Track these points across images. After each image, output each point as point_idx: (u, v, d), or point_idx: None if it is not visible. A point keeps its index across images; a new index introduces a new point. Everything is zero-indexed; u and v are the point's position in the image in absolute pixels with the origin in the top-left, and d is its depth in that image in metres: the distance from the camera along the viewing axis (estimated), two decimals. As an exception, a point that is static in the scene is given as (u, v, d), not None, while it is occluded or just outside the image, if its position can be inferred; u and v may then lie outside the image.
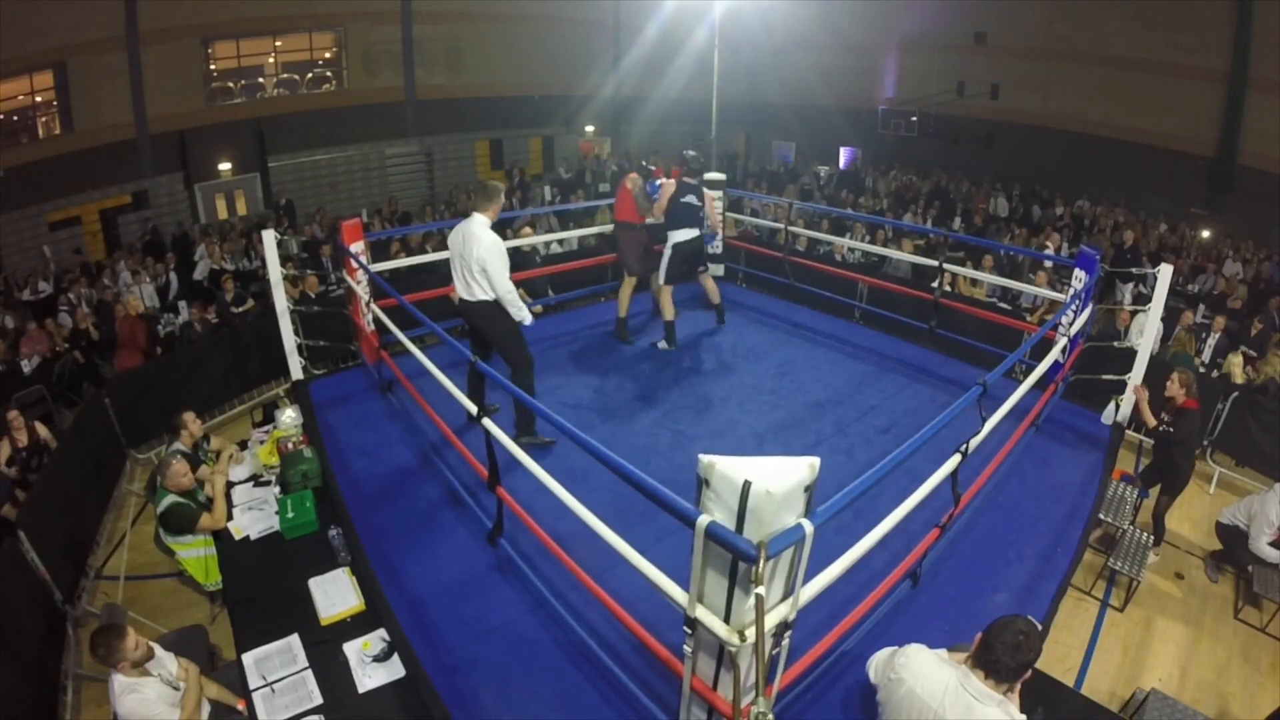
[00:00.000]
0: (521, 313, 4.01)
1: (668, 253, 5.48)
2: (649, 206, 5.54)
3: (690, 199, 5.44)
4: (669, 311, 5.59)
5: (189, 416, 4.28)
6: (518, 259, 7.87)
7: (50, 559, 4.22)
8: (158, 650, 2.89)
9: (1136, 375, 4.66)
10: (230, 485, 4.09)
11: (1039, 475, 4.16)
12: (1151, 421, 4.46)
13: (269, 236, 4.82)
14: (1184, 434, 4.45)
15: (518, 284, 7.18)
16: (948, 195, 14.15)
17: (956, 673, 1.95)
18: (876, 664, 2.22)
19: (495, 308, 4.00)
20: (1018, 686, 1.98)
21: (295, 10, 12.97)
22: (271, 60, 13.40)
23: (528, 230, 8.80)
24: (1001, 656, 1.87)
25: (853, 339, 6.03)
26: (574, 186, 14.36)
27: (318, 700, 2.73)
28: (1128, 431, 4.86)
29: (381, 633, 2.98)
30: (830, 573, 2.16)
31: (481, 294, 3.97)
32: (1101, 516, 4.44)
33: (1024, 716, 1.90)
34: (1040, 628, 1.92)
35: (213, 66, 12.60)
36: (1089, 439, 4.56)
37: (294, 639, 3.00)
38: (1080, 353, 4.93)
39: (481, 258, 3.85)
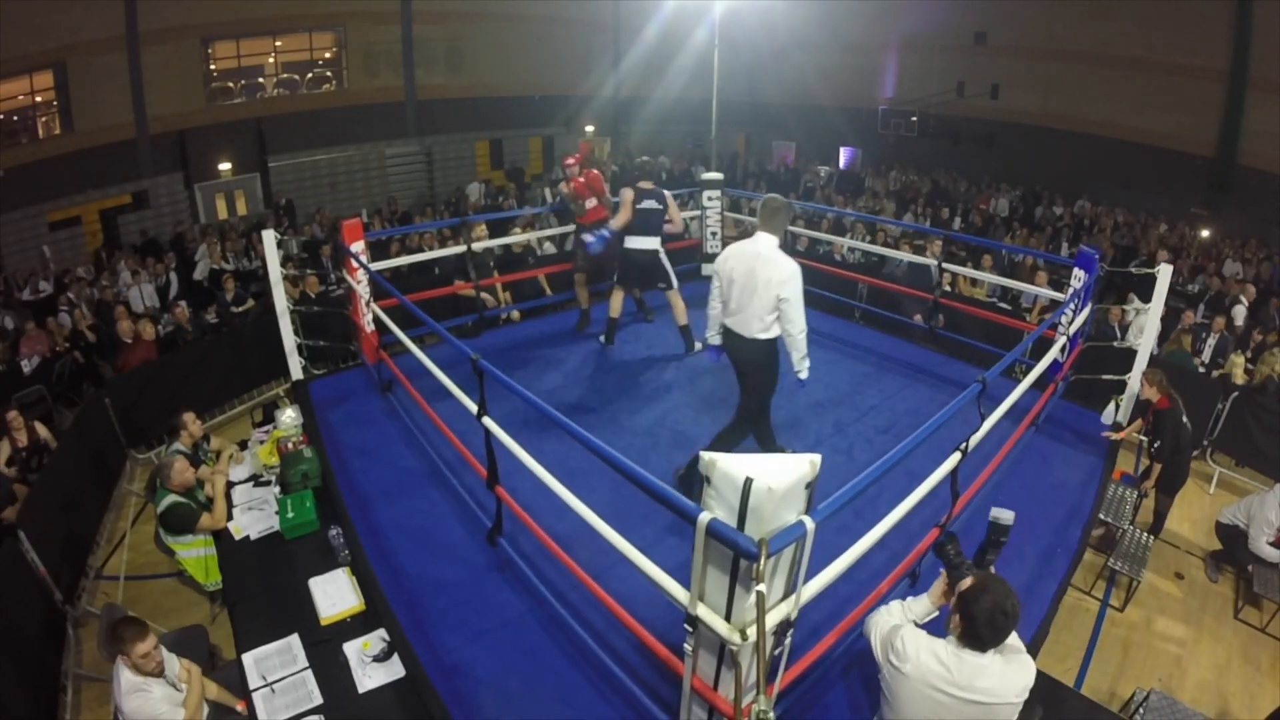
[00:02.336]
0: (805, 363, 3.49)
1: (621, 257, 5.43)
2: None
3: (649, 204, 5.23)
4: (613, 309, 5.68)
5: (189, 417, 4.28)
6: (511, 260, 7.88)
7: (50, 559, 4.22)
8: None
9: (1136, 375, 4.66)
10: (230, 485, 4.09)
11: (1039, 475, 4.15)
12: (1136, 428, 4.54)
13: (269, 236, 4.82)
14: (1164, 436, 4.49)
15: (513, 285, 7.23)
16: (948, 195, 14.16)
17: (948, 648, 2.03)
18: (877, 631, 2.22)
19: (773, 349, 3.47)
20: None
21: (295, 10, 12.97)
22: (271, 60, 13.40)
23: (517, 230, 8.78)
24: (982, 632, 1.95)
25: (853, 339, 6.03)
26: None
27: (318, 700, 2.73)
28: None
29: (381, 633, 2.98)
30: (831, 571, 2.16)
31: (767, 332, 3.42)
32: (1102, 516, 4.45)
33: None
34: (1012, 590, 2.01)
35: (213, 66, 12.60)
36: (1089, 439, 4.56)
37: (294, 639, 3.00)
38: (1080, 352, 4.93)
39: (782, 286, 3.29)
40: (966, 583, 2.07)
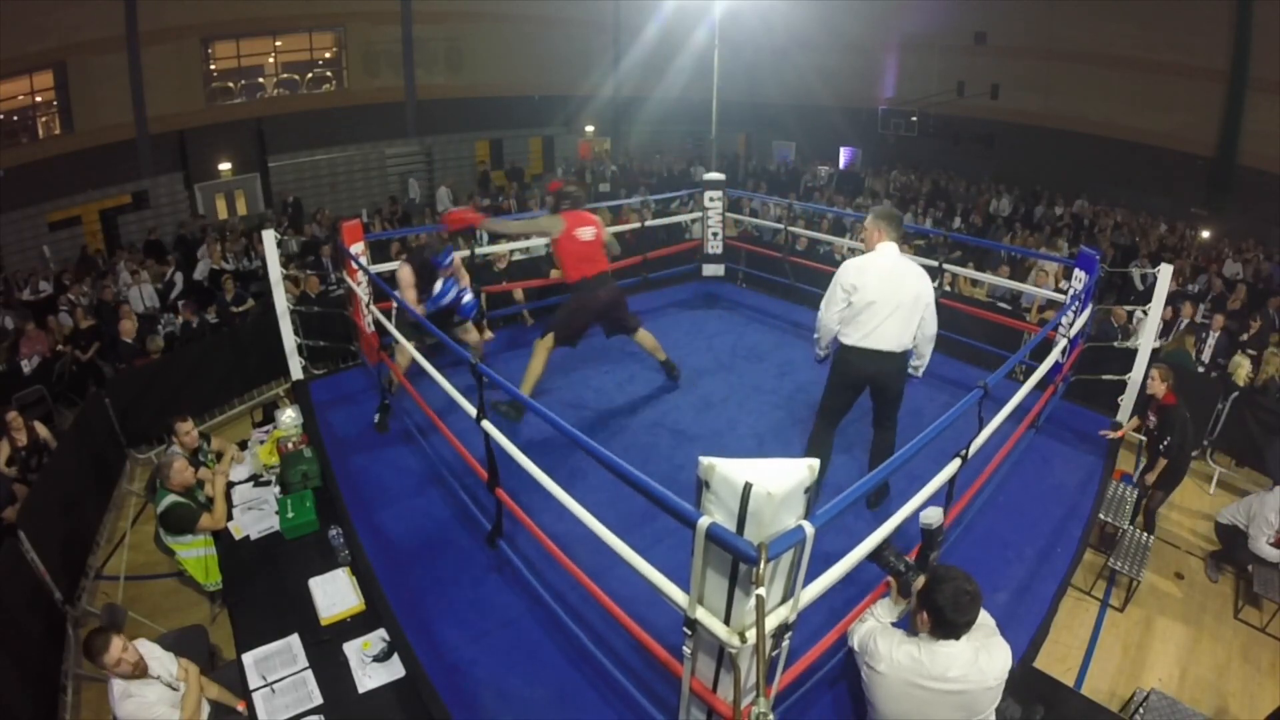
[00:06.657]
0: (924, 366, 3.43)
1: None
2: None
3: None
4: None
5: (184, 426, 4.11)
6: (527, 264, 7.85)
7: (50, 559, 4.22)
8: (157, 651, 2.89)
9: (1136, 375, 4.66)
10: (230, 485, 4.09)
11: (1039, 475, 4.15)
12: (1133, 425, 4.53)
13: (269, 236, 4.83)
14: (1173, 433, 4.48)
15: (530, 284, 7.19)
16: (948, 195, 14.16)
17: (920, 644, 2.07)
18: (855, 637, 2.26)
19: (906, 360, 3.38)
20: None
21: (295, 10, 12.99)
22: (271, 60, 13.41)
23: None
24: (950, 617, 2.00)
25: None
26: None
27: (318, 700, 2.74)
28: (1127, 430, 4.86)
29: (381, 633, 2.98)
30: (830, 575, 2.16)
31: (908, 343, 3.27)
32: (1102, 516, 4.45)
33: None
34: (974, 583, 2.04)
35: (213, 66, 12.61)
36: (1089, 439, 4.55)
37: (294, 639, 3.00)
38: (1080, 353, 4.93)
39: (929, 297, 3.22)
40: (920, 582, 2.11)
